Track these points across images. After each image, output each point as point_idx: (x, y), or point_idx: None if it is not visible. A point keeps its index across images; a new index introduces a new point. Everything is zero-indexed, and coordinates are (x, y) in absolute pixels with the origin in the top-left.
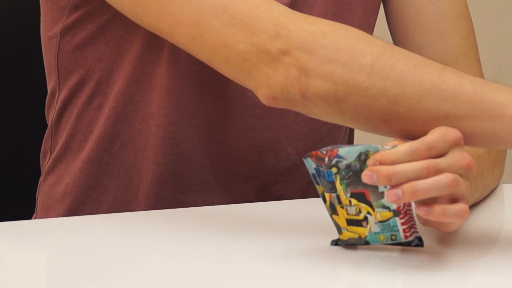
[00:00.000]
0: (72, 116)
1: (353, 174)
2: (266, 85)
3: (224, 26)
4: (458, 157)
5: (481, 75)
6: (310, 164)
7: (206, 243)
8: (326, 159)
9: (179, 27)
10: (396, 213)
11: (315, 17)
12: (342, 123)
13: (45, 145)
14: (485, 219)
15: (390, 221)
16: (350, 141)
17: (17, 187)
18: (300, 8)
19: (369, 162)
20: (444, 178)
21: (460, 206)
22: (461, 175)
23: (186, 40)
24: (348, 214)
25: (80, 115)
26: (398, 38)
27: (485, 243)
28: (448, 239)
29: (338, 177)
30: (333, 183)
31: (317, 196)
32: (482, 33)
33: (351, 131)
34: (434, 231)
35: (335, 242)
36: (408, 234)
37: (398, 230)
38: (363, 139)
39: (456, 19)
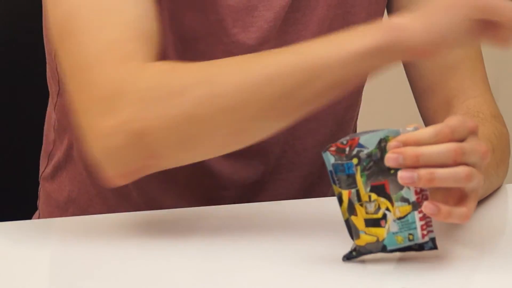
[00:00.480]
0: (71, 123)
1: (373, 164)
2: (110, 162)
3: (76, 88)
4: (477, 143)
5: (485, 75)
6: (329, 159)
7: (206, 243)
8: (347, 149)
9: (66, 72)
10: (415, 206)
11: (152, 70)
12: (199, 159)
13: (45, 149)
14: (488, 219)
15: (409, 216)
16: None
17: (17, 187)
18: (303, 11)
19: (391, 144)
20: (461, 171)
21: (464, 211)
22: (475, 164)
23: (67, 87)
24: (367, 212)
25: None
26: None
27: (488, 243)
28: (451, 239)
29: (358, 168)
30: (353, 177)
31: (317, 196)
32: None
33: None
34: (437, 229)
35: (347, 257)
36: (425, 232)
37: (416, 228)
38: None
39: None
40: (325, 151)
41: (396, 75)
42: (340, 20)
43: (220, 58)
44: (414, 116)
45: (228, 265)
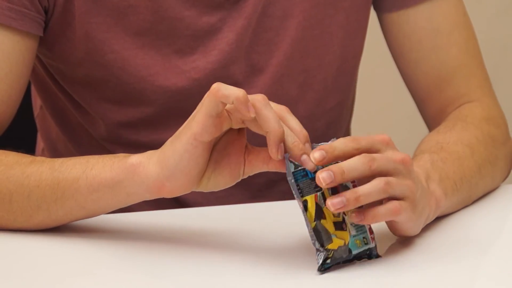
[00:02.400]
0: (43, 134)
1: None
2: None
3: None
4: (392, 153)
5: (484, 79)
6: (289, 167)
7: (206, 244)
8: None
9: None
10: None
11: None
12: None
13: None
14: (488, 219)
15: None
16: None
17: None
18: (276, 31)
19: (317, 156)
20: (379, 182)
21: (392, 204)
22: (400, 172)
23: None
24: (333, 215)
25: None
26: (394, 54)
27: (488, 243)
28: (451, 239)
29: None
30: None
31: None
32: (479, 34)
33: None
34: (436, 229)
35: (323, 267)
36: (372, 236)
37: (366, 231)
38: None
39: (453, 31)
40: (286, 158)
41: (395, 78)
42: (317, 40)
43: (181, 87)
44: (412, 118)
45: (228, 263)
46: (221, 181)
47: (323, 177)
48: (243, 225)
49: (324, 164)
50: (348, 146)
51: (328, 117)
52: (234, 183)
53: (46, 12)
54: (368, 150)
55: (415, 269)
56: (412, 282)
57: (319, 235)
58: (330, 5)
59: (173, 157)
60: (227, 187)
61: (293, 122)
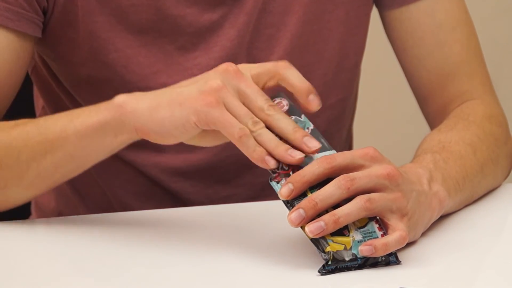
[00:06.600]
0: None
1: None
2: None
3: None
4: (377, 168)
5: (486, 77)
6: (276, 188)
7: (208, 242)
8: (291, 173)
9: None
10: (371, 217)
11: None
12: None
13: None
14: (488, 219)
15: (368, 226)
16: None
17: None
18: (277, 27)
19: (283, 193)
20: (359, 200)
21: (398, 235)
22: (386, 187)
23: None
24: None
25: None
26: (397, 51)
27: (488, 243)
28: (451, 239)
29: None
30: (304, 194)
31: None
32: (481, 34)
33: (348, 139)
34: (437, 228)
35: (324, 269)
36: None
37: (377, 237)
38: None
39: (455, 27)
40: (270, 180)
41: (397, 76)
42: (316, 35)
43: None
44: (414, 117)
45: (227, 263)
46: (207, 140)
47: (291, 220)
48: (244, 224)
49: (296, 195)
50: (320, 167)
51: (329, 114)
52: (219, 144)
53: (45, 13)
54: (347, 167)
55: (416, 268)
56: (413, 282)
57: (318, 243)
58: (330, 0)
59: (168, 124)
60: (211, 145)
61: (294, 76)
